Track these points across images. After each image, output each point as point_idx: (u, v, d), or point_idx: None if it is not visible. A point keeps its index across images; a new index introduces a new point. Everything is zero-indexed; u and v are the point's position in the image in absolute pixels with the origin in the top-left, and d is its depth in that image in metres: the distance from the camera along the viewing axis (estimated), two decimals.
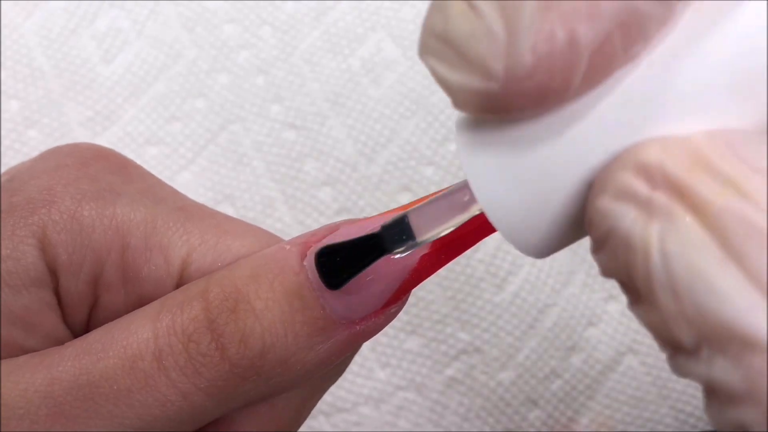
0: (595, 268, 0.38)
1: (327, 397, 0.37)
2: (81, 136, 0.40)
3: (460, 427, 0.37)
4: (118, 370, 0.18)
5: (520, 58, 0.13)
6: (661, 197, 0.13)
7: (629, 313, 0.38)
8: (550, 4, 0.13)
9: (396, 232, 0.18)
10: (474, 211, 0.18)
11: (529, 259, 0.38)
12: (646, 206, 0.13)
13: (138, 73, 0.41)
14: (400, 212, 0.18)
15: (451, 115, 0.40)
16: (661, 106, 0.14)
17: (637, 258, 0.13)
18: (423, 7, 0.42)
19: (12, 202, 0.20)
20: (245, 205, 0.39)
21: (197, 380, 0.19)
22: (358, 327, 0.19)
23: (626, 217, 0.13)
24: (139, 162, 0.23)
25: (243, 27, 0.42)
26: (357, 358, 0.38)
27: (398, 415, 0.37)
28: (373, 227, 0.19)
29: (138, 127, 0.40)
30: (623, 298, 0.38)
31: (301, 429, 0.23)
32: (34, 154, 0.22)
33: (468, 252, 0.39)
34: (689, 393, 0.37)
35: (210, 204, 0.39)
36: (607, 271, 0.15)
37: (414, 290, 0.38)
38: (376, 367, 0.38)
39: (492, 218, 0.16)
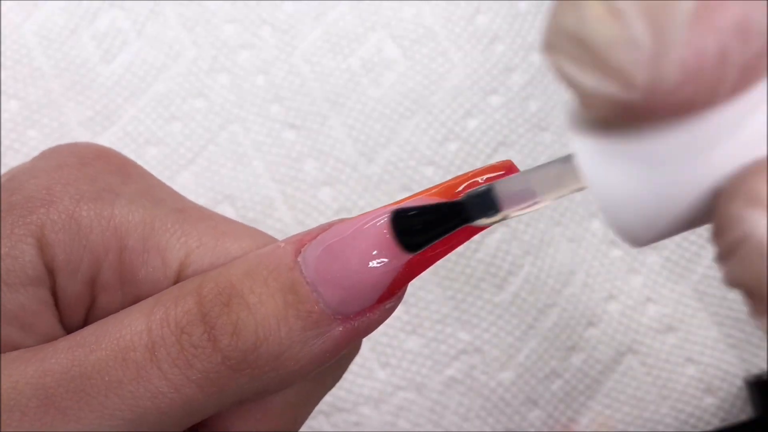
0: (595, 268, 0.38)
1: (327, 396, 0.37)
2: (81, 136, 0.40)
3: (460, 427, 0.37)
4: (110, 361, 0.18)
5: (666, 72, 0.13)
6: None
7: (629, 313, 0.38)
8: (702, 17, 0.13)
9: (481, 202, 0.18)
10: (569, 191, 0.17)
11: (530, 259, 0.38)
12: None
13: (138, 73, 0.41)
14: (487, 184, 0.18)
15: (451, 115, 0.40)
16: None
17: None
18: (423, 7, 0.42)
19: (11, 201, 0.20)
20: (245, 205, 0.39)
21: (189, 372, 0.18)
22: (353, 322, 0.19)
23: (762, 223, 0.13)
24: (139, 162, 0.23)
25: (243, 27, 0.42)
26: (357, 358, 0.37)
27: (398, 415, 0.37)
28: (365, 223, 0.19)
29: (138, 127, 0.40)
30: (623, 298, 0.38)
31: (300, 429, 0.23)
32: (34, 154, 0.23)
33: (468, 252, 0.39)
34: (689, 393, 0.37)
35: (210, 204, 0.39)
36: (734, 280, 0.14)
37: (414, 290, 0.38)
38: (376, 367, 0.38)
39: (603, 209, 0.16)
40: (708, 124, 0.14)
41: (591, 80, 0.13)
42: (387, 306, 0.20)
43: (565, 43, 0.14)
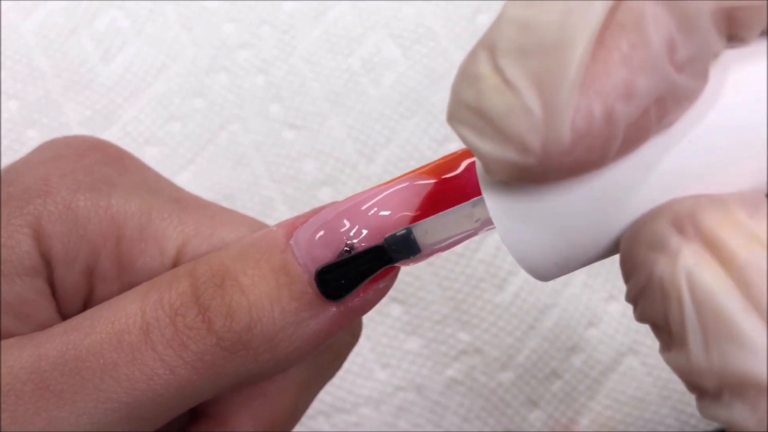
0: (595, 268, 0.38)
1: (327, 397, 0.37)
2: None
3: (460, 428, 0.37)
4: (104, 344, 0.18)
5: (558, 136, 0.14)
6: (693, 248, 0.14)
7: (629, 314, 0.38)
8: (587, 82, 0.13)
9: (401, 246, 0.19)
10: (482, 231, 0.18)
11: None
12: (678, 256, 0.14)
13: (137, 73, 0.41)
14: (405, 228, 0.19)
15: None
16: (694, 171, 0.15)
17: (673, 304, 0.14)
18: (423, 7, 0.42)
19: (8, 192, 0.20)
20: (245, 205, 0.39)
21: (184, 353, 0.19)
22: (347, 303, 0.19)
23: (662, 266, 0.14)
24: None
25: (243, 27, 0.42)
26: (357, 358, 0.37)
27: (398, 415, 0.37)
28: (355, 204, 0.19)
29: (138, 127, 0.40)
30: (623, 298, 0.38)
31: (300, 429, 0.23)
32: None
33: (468, 252, 0.39)
34: (690, 394, 0.37)
35: None
36: (643, 316, 0.15)
37: (414, 290, 0.38)
38: (376, 368, 0.38)
39: (514, 256, 0.17)
40: (605, 180, 0.15)
41: (490, 147, 0.14)
42: (380, 285, 0.20)
43: (465, 114, 0.15)
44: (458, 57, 0.41)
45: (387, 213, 0.19)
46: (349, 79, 0.41)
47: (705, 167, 0.15)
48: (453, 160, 0.19)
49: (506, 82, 0.14)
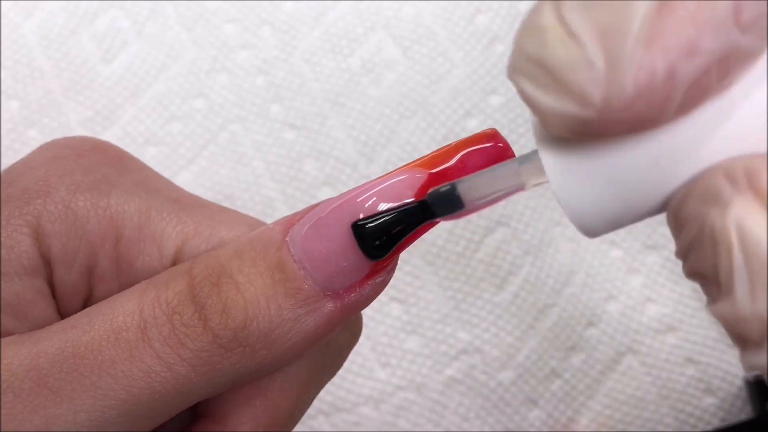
0: (594, 268, 0.38)
1: (327, 397, 0.37)
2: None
3: (459, 427, 0.37)
4: (102, 341, 0.18)
5: (619, 90, 0.14)
6: (744, 198, 0.14)
7: (629, 313, 0.38)
8: (651, 39, 0.13)
9: (445, 200, 0.19)
10: (529, 187, 0.18)
11: (530, 259, 0.38)
12: (729, 205, 0.14)
13: (138, 73, 0.41)
14: (449, 183, 0.19)
15: (451, 115, 0.40)
16: (752, 133, 0.15)
17: (722, 253, 0.14)
18: (423, 7, 0.42)
19: (8, 193, 0.20)
20: (245, 205, 0.39)
21: (181, 351, 0.19)
22: (344, 298, 0.19)
23: (713, 216, 0.14)
24: None
25: (243, 27, 0.42)
26: (357, 358, 0.38)
27: (398, 415, 0.37)
28: (348, 199, 0.19)
29: (138, 127, 0.40)
30: (623, 298, 0.38)
31: (300, 429, 0.23)
32: None
33: (468, 252, 0.39)
34: (689, 393, 0.37)
35: None
36: (693, 270, 0.16)
37: (414, 290, 0.38)
38: (376, 367, 0.38)
39: (567, 214, 0.17)
40: (662, 138, 0.15)
41: (550, 100, 0.14)
42: (377, 280, 0.20)
43: (526, 65, 0.15)
44: (458, 57, 0.41)
45: (383, 207, 0.19)
46: (349, 79, 0.41)
47: (763, 129, 0.15)
48: (447, 152, 0.19)
49: (570, 33, 0.14)
